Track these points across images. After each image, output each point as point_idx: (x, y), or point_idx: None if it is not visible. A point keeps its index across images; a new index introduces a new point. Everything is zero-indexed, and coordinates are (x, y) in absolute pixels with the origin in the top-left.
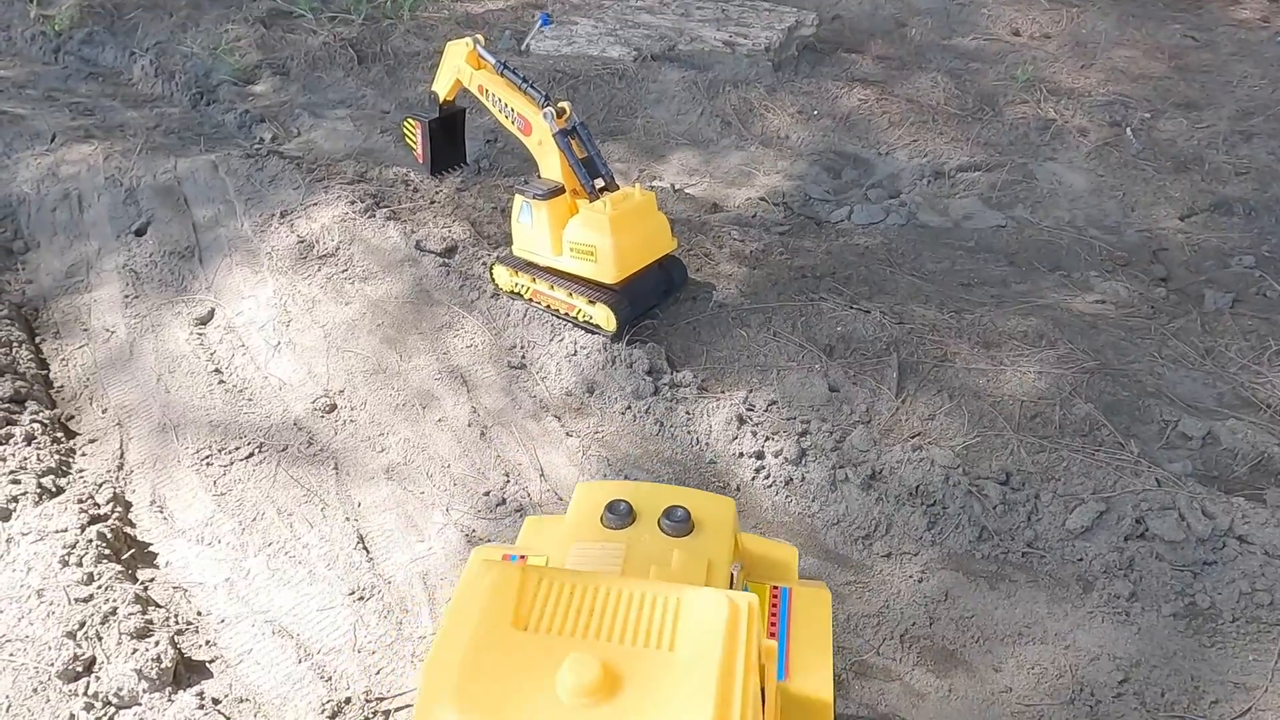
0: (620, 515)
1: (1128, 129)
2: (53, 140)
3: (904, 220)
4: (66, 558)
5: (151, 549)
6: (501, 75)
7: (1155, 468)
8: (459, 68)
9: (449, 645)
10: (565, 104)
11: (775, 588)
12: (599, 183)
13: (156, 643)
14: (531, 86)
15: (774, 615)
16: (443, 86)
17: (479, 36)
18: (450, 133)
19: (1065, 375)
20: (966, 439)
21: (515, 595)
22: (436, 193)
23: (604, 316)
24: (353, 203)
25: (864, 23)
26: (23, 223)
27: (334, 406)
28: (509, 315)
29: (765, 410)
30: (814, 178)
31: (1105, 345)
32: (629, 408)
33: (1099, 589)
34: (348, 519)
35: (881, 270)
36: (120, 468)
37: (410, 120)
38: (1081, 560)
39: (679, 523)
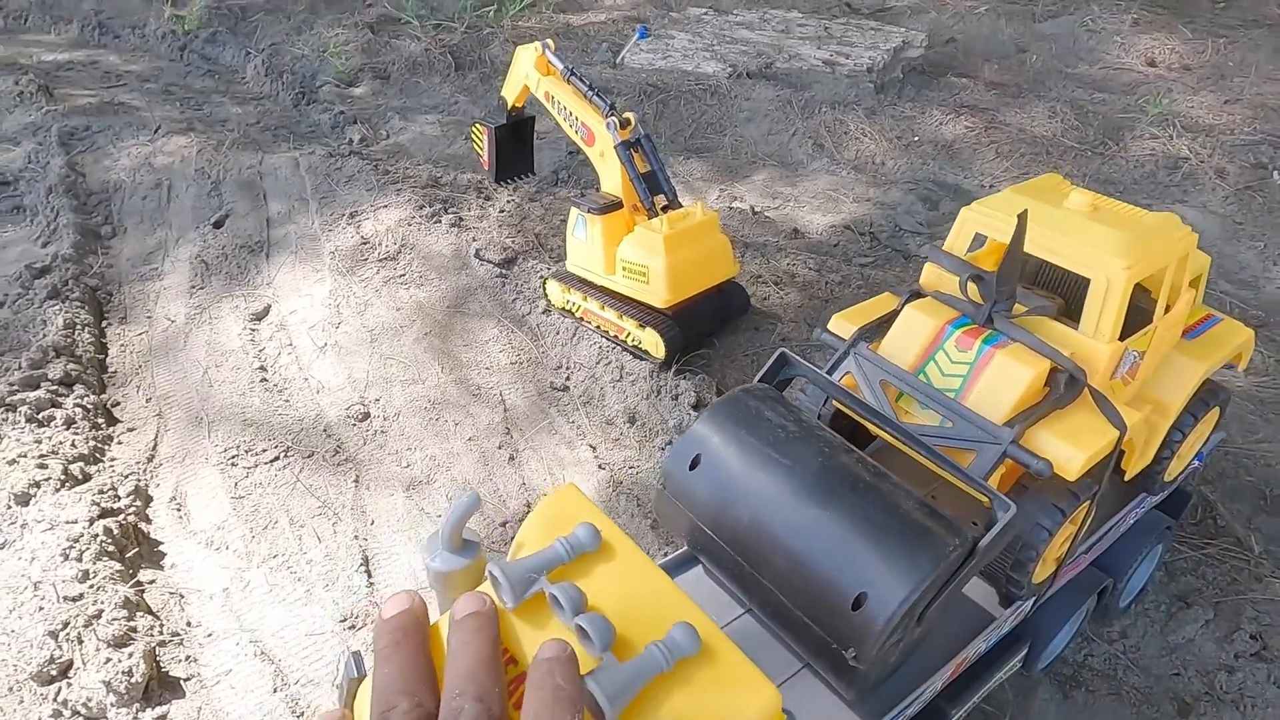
0: None
1: (1275, 172)
2: (156, 131)
3: None
4: (68, 551)
5: (161, 548)
6: (568, 82)
7: None
8: (528, 73)
9: (1009, 190)
10: (630, 115)
11: (1211, 313)
12: (660, 200)
13: (131, 654)
14: (597, 95)
15: (1200, 323)
16: (511, 92)
17: (549, 41)
18: (518, 140)
19: None
20: None
21: (1058, 183)
22: (507, 202)
23: (653, 342)
24: (420, 207)
25: (979, 46)
26: (115, 208)
27: (367, 414)
28: (558, 333)
29: None
30: (907, 207)
31: (1229, 419)
32: (670, 443)
33: (1198, 714)
34: (356, 537)
35: None
36: (150, 460)
37: (478, 126)
38: (1179, 675)
39: None
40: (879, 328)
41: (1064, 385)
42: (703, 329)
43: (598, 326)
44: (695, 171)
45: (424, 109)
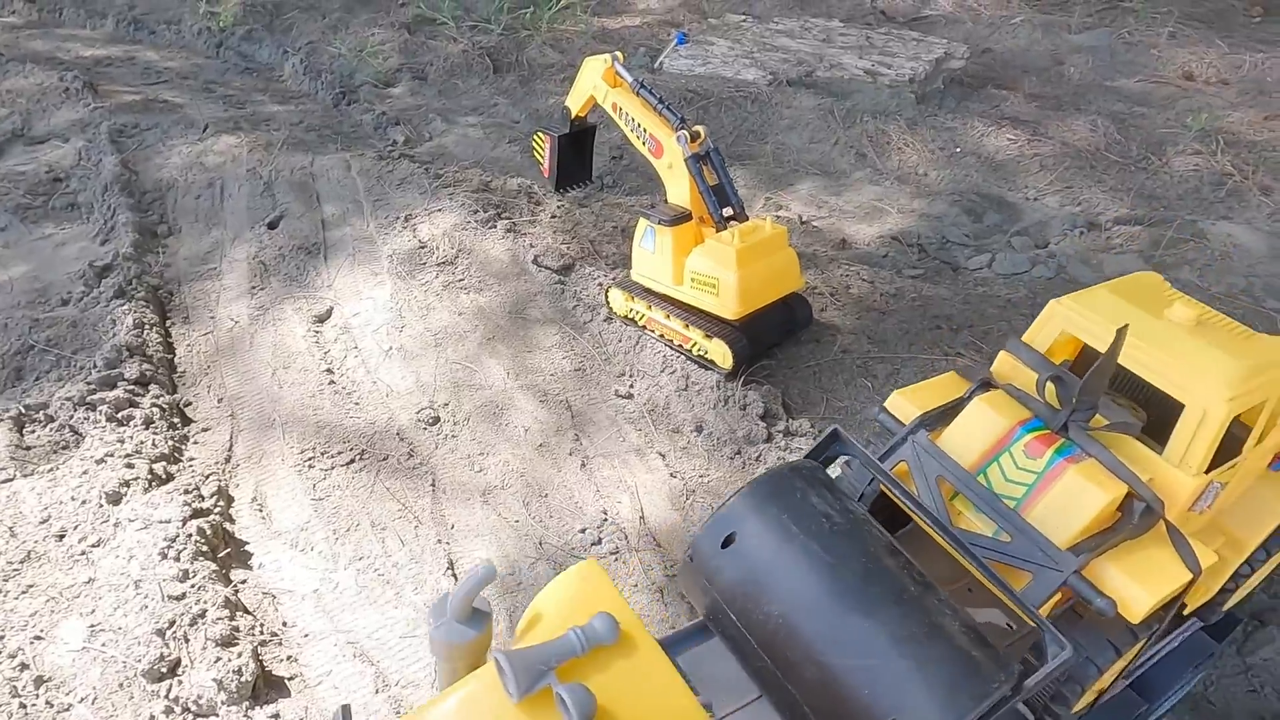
0: None
1: None
2: (204, 130)
3: (1052, 273)
4: (166, 550)
5: (247, 548)
6: (638, 94)
7: None
8: (595, 84)
9: (1104, 287)
10: (700, 128)
11: None
12: (728, 212)
13: (239, 654)
14: (668, 108)
15: None
16: (576, 102)
17: (618, 54)
18: (579, 149)
19: None
20: None
21: (1157, 285)
22: (558, 207)
23: (720, 353)
24: (475, 211)
25: (1017, 58)
26: (169, 207)
27: (438, 419)
28: (620, 341)
29: None
30: (953, 219)
31: None
32: (739, 453)
33: None
34: (439, 541)
35: (1026, 327)
36: (228, 460)
37: (540, 134)
38: (1254, 693)
39: None
40: (941, 416)
41: (1139, 515)
42: (768, 340)
43: (662, 335)
44: (738, 179)
45: (464, 110)
